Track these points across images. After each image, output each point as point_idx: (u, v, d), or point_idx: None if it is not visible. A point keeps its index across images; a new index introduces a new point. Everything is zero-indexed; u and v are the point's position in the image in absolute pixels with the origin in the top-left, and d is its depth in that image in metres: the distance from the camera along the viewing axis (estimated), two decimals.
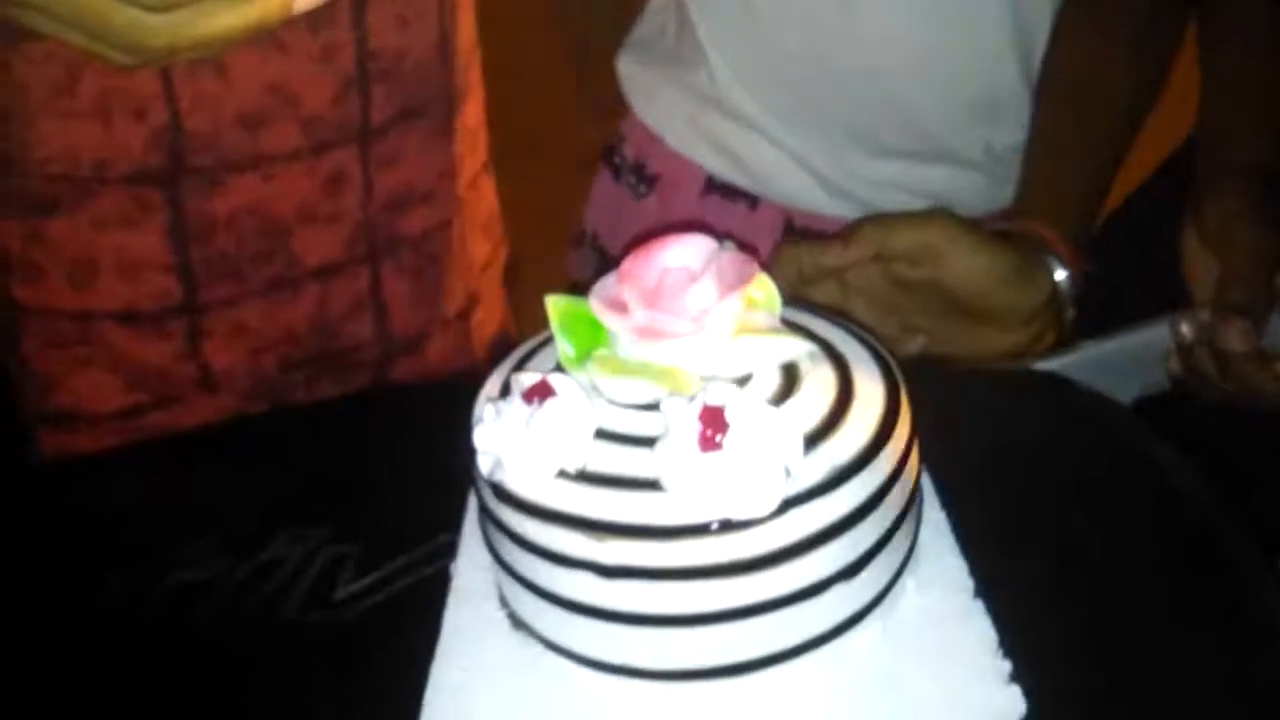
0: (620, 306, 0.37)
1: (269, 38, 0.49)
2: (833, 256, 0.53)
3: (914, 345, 0.55)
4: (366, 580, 0.44)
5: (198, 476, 0.53)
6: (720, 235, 0.41)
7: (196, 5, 0.29)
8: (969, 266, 0.53)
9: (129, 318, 0.53)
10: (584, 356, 0.37)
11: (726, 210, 0.71)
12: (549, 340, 0.40)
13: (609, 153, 0.78)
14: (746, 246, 0.64)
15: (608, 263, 0.77)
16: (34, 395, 0.56)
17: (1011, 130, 0.66)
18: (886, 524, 0.34)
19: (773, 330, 0.37)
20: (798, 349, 0.37)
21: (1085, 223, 0.59)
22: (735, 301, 0.36)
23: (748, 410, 0.31)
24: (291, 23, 0.35)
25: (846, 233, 0.54)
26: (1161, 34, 0.64)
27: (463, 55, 0.60)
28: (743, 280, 0.37)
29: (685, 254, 0.38)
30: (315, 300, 0.56)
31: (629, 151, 0.76)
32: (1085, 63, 0.62)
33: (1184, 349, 0.52)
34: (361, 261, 0.57)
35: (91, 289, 0.52)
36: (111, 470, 0.54)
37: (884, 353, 0.38)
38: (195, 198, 0.51)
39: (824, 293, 0.53)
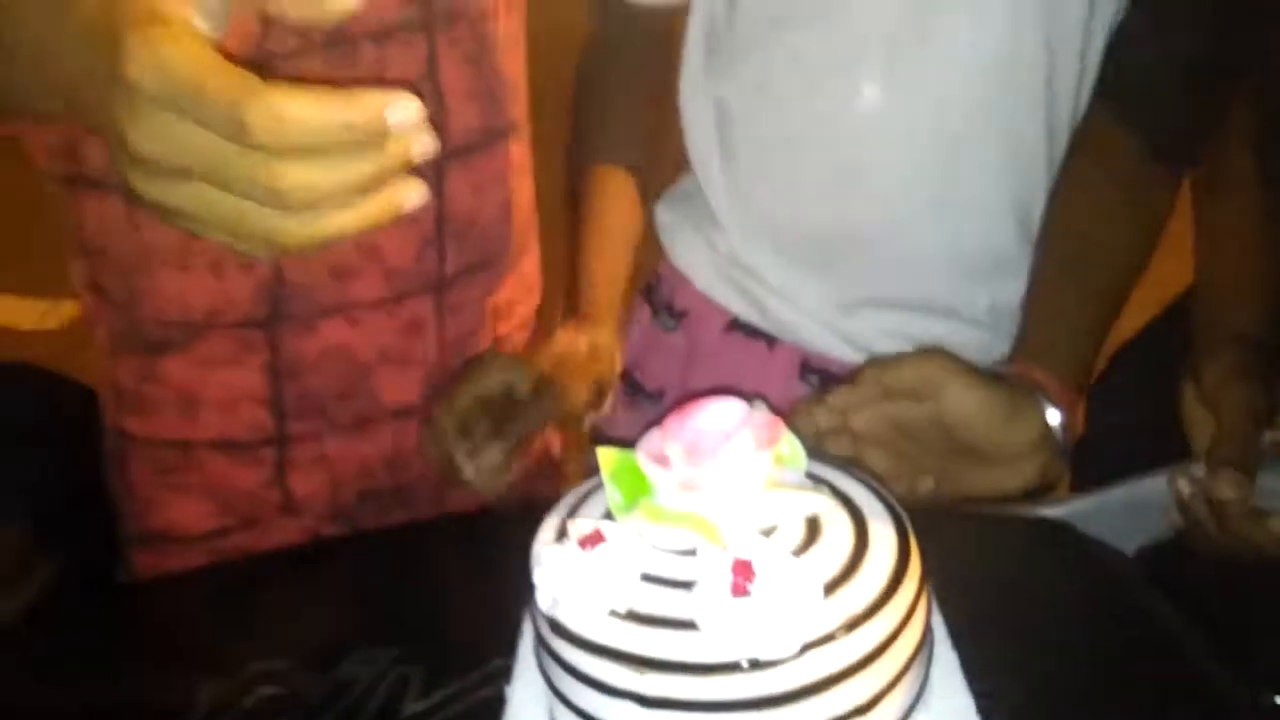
0: (663, 460, 0.42)
1: None
2: (841, 397, 0.58)
3: (925, 486, 0.59)
4: (431, 700, 0.48)
5: (277, 596, 0.59)
6: (749, 392, 0.46)
7: (325, 208, 0.34)
8: (965, 401, 0.58)
9: (225, 446, 0.59)
10: (631, 503, 0.42)
11: (746, 348, 0.77)
12: (599, 486, 0.45)
13: (648, 290, 0.85)
14: (768, 385, 0.70)
15: (637, 392, 0.83)
16: (132, 517, 0.62)
17: (1012, 287, 0.71)
18: (899, 664, 0.38)
19: (798, 485, 0.42)
20: (819, 504, 0.41)
21: (1082, 369, 0.64)
22: (765, 459, 0.41)
23: (774, 562, 0.36)
24: None
25: (851, 376, 0.59)
26: (1157, 192, 0.70)
27: (522, 215, 0.67)
28: (772, 439, 0.42)
29: (721, 414, 0.43)
30: (391, 437, 0.62)
31: (664, 289, 0.82)
32: (1084, 219, 0.67)
33: (1183, 502, 0.56)
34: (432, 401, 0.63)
35: (194, 420, 0.58)
36: (198, 588, 0.59)
37: (895, 505, 0.43)
38: (291, 339, 0.58)
39: (840, 444, 0.58)
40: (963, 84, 0.66)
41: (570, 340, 0.63)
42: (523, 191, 0.66)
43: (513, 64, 0.64)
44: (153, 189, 0.32)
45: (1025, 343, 0.65)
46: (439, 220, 0.60)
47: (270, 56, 0.51)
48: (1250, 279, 0.63)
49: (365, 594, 0.56)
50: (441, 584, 0.56)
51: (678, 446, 0.42)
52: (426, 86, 0.57)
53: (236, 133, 0.29)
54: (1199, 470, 0.55)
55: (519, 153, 0.64)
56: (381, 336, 0.60)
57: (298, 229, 0.33)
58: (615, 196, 0.75)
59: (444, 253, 0.61)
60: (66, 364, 0.70)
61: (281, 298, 0.57)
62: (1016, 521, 0.56)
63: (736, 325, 0.77)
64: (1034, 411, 0.60)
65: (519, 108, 0.65)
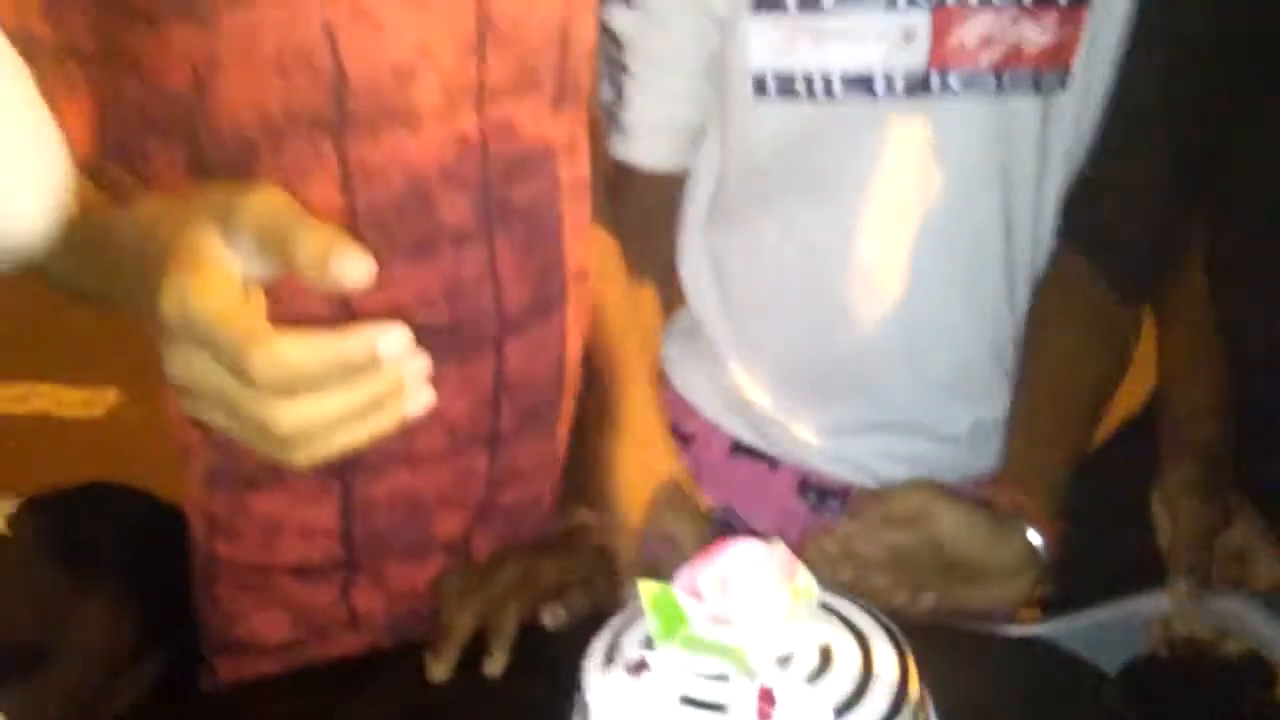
0: (697, 595, 0.50)
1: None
2: (844, 529, 0.66)
3: (925, 602, 0.67)
4: None
5: (342, 699, 0.66)
6: (769, 537, 0.54)
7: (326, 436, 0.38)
8: (954, 525, 0.66)
9: (300, 571, 0.67)
10: (670, 633, 0.50)
11: (750, 469, 0.85)
12: (638, 613, 0.53)
13: None
14: (770, 502, 0.77)
15: None
16: (216, 629, 0.69)
17: (988, 408, 0.80)
18: None
19: (811, 616, 0.50)
20: (830, 633, 0.49)
21: (1059, 488, 0.72)
22: (785, 594, 0.49)
23: (792, 689, 0.44)
24: None
25: (851, 508, 0.68)
26: (1123, 323, 0.79)
27: (573, 365, 0.73)
28: (789, 576, 0.50)
29: (747, 554, 0.51)
30: (441, 563, 0.69)
31: (670, 415, 0.90)
32: (1056, 358, 0.76)
33: (1164, 620, 0.64)
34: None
35: (275, 548, 0.66)
36: (275, 694, 0.66)
37: (895, 631, 0.50)
38: (362, 484, 0.66)
39: (846, 569, 0.66)
40: (934, 240, 0.77)
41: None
42: (575, 342, 0.73)
43: (579, 212, 0.71)
44: (185, 402, 0.38)
45: (1008, 469, 0.73)
46: (497, 385, 0.68)
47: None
48: (1206, 392, 0.72)
49: (417, 698, 0.63)
50: (489, 693, 0.63)
51: (709, 583, 0.50)
52: (487, 275, 0.65)
53: (242, 374, 0.35)
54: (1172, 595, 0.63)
55: (575, 308, 0.72)
56: (439, 482, 0.68)
57: (303, 457, 0.38)
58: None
59: (500, 411, 0.69)
60: (109, 451, 0.77)
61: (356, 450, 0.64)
62: (1003, 640, 0.64)
63: (739, 448, 0.86)
64: (1018, 531, 0.68)
65: (581, 259, 0.72)
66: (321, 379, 0.36)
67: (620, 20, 0.77)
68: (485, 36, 0.62)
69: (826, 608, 0.52)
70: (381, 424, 0.38)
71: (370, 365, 0.36)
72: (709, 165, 0.83)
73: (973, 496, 0.70)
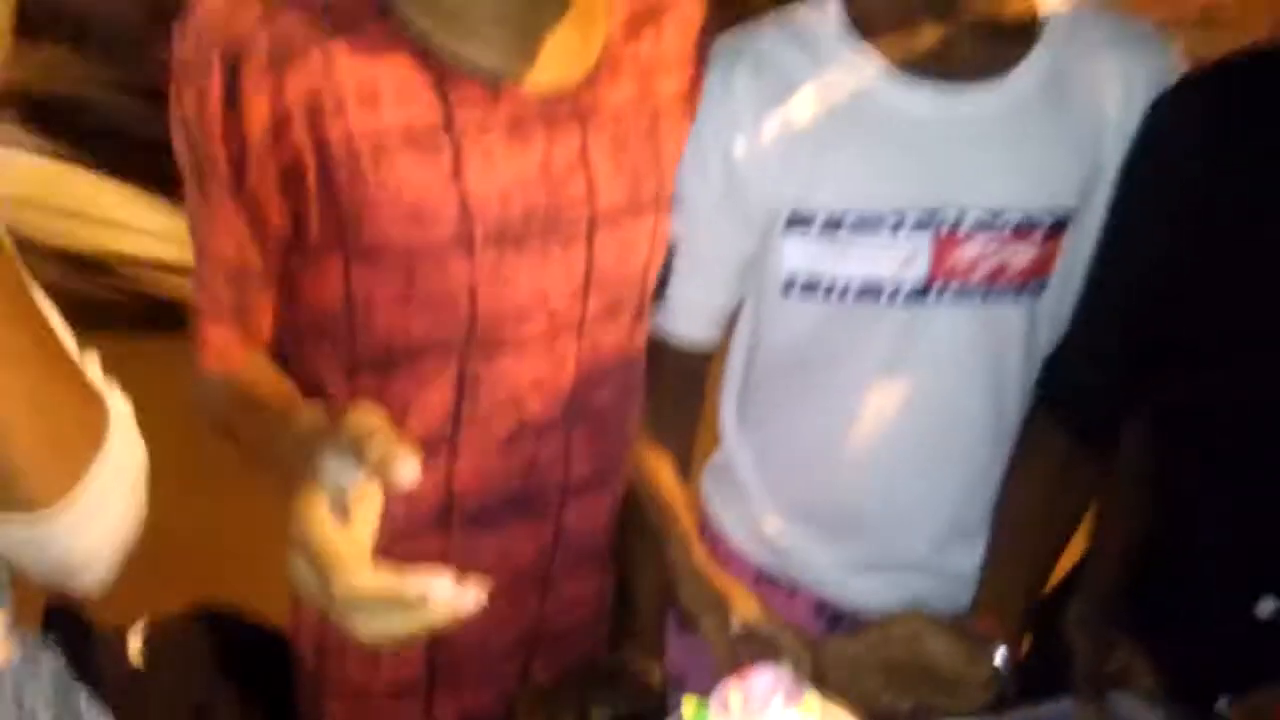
0: (727, 708, 0.63)
1: None
2: (851, 648, 0.80)
3: (906, 704, 0.80)
4: None
5: None
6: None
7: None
8: (938, 647, 0.80)
9: (394, 691, 0.81)
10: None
11: (773, 594, 0.97)
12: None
13: None
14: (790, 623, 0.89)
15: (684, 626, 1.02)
16: None
17: (975, 555, 0.93)
18: None
19: None
20: None
21: (1024, 617, 0.85)
22: (794, 711, 0.62)
23: None
24: None
25: (856, 632, 0.81)
26: (1084, 478, 0.92)
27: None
28: (798, 698, 0.63)
29: (766, 678, 0.65)
30: (504, 684, 0.83)
31: (704, 542, 1.02)
32: (1025, 512, 0.89)
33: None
34: None
35: (375, 670, 0.80)
36: None
37: None
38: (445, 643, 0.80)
39: (848, 676, 0.79)
40: (931, 420, 0.91)
41: None
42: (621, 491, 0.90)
43: (640, 399, 0.88)
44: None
45: (982, 601, 0.87)
46: (556, 538, 0.83)
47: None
48: (1114, 539, 0.86)
49: None
50: None
51: (736, 699, 0.63)
52: (560, 457, 0.82)
53: (328, 590, 0.51)
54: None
55: (625, 469, 0.88)
56: (504, 616, 0.82)
57: (370, 641, 0.54)
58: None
59: (554, 557, 0.83)
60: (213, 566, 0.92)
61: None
62: None
63: (763, 577, 0.99)
64: (990, 652, 0.81)
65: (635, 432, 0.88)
66: (384, 605, 0.51)
67: (673, 222, 0.93)
68: (590, 282, 0.79)
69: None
70: (432, 626, 0.53)
71: (422, 602, 0.51)
72: (742, 341, 0.98)
73: (955, 622, 0.83)
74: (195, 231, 0.75)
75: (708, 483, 1.05)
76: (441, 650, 0.80)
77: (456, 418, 0.77)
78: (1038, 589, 0.87)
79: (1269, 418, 0.77)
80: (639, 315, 0.86)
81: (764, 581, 0.99)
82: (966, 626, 0.82)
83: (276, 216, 0.73)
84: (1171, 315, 0.82)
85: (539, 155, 0.76)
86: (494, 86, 0.75)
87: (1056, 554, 0.90)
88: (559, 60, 0.77)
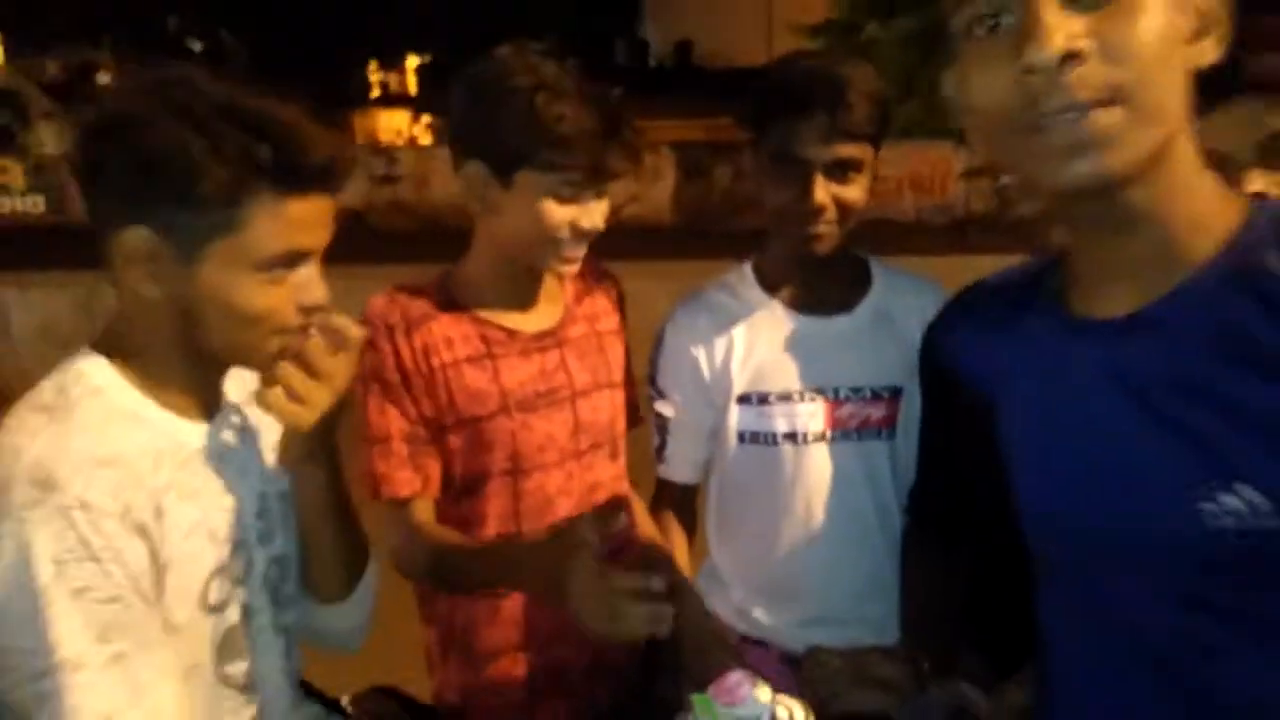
0: (718, 694, 1.11)
1: None
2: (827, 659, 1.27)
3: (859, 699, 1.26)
4: None
5: None
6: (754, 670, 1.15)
7: None
8: (883, 667, 1.26)
9: None
10: (705, 710, 1.10)
11: (750, 651, 1.43)
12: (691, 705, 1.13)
13: None
14: (765, 669, 1.36)
15: None
16: None
17: (887, 605, 1.40)
18: None
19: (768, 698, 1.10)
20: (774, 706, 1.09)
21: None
22: (755, 690, 1.10)
23: None
24: None
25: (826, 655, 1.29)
26: (950, 570, 1.40)
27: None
28: (755, 685, 1.11)
29: (737, 674, 1.12)
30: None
31: None
32: (909, 576, 1.37)
33: None
34: None
35: None
36: None
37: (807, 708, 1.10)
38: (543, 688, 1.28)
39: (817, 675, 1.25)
40: (836, 516, 1.41)
41: None
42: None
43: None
44: None
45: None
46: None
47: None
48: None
49: None
50: None
51: (721, 689, 1.11)
52: None
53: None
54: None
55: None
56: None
57: None
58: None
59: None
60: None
61: None
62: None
63: (744, 638, 1.46)
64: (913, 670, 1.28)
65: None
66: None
67: (663, 407, 1.47)
68: (578, 429, 1.34)
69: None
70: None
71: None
72: (714, 480, 1.50)
73: (895, 652, 1.31)
74: (374, 420, 1.27)
75: (701, 580, 1.53)
76: (539, 678, 1.28)
77: (516, 516, 1.31)
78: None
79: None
80: (614, 452, 1.42)
81: (744, 642, 1.46)
82: (901, 653, 1.30)
83: (425, 409, 1.28)
84: (956, 464, 1.23)
85: (538, 364, 1.34)
86: (510, 333, 1.33)
87: (948, 615, 1.38)
88: (541, 317, 1.36)
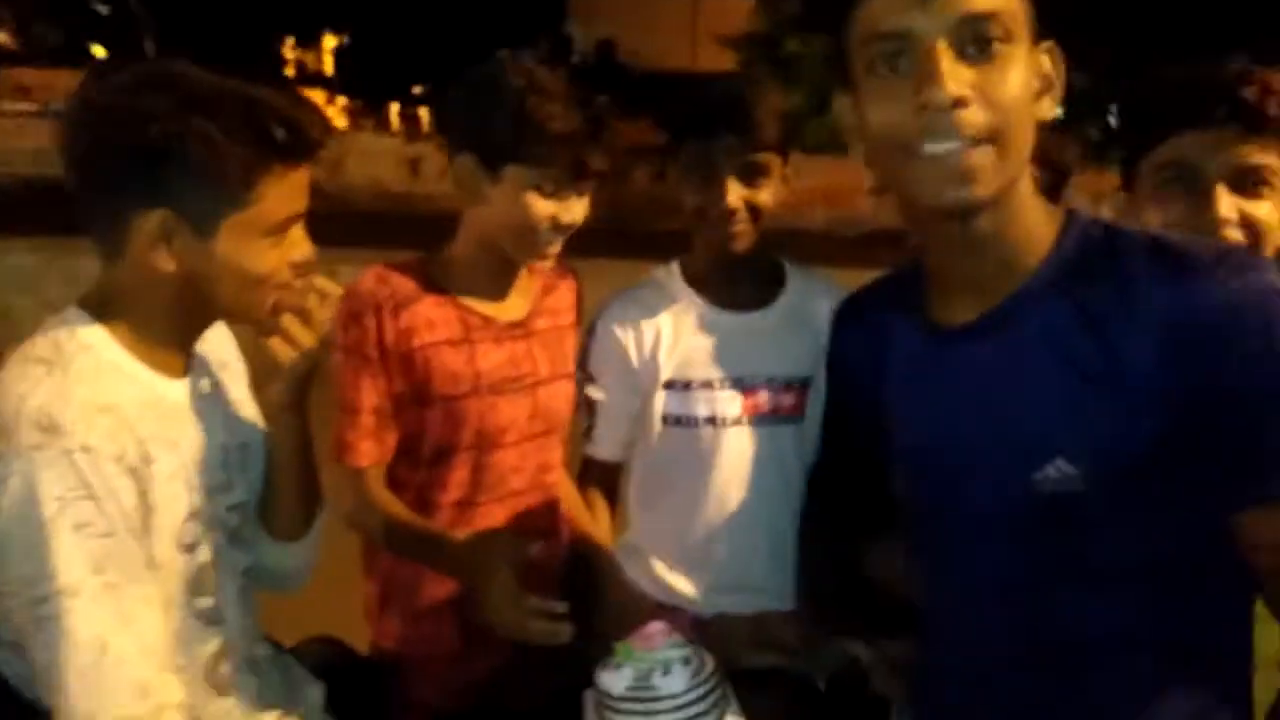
0: (637, 640, 1.26)
1: None
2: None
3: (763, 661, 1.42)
4: None
5: None
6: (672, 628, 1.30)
7: None
8: (782, 627, 1.43)
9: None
10: (626, 654, 1.25)
11: (665, 615, 1.55)
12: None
13: None
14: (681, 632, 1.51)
15: None
16: None
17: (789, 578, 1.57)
18: None
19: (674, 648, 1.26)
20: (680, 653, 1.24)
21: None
22: (670, 638, 1.25)
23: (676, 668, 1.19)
24: None
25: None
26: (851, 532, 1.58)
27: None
28: (669, 635, 1.26)
29: (657, 624, 1.27)
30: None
31: None
32: (818, 549, 1.52)
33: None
34: None
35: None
36: None
37: (706, 657, 1.25)
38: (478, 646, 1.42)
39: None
40: (750, 491, 1.56)
41: None
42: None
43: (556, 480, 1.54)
44: None
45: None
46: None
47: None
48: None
49: None
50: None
51: (639, 638, 1.26)
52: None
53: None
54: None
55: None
56: None
57: None
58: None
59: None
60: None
61: None
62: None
63: (660, 605, 1.61)
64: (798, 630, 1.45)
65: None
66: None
67: (593, 391, 1.60)
68: (536, 413, 1.48)
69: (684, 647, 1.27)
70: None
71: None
72: (637, 459, 1.64)
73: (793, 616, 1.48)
74: (349, 392, 1.38)
75: (621, 552, 1.68)
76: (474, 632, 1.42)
77: (475, 486, 1.44)
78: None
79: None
80: (562, 436, 1.56)
81: (660, 609, 1.61)
82: (798, 617, 1.46)
83: (396, 385, 1.39)
84: (854, 445, 1.43)
85: (509, 352, 1.47)
86: (486, 320, 1.45)
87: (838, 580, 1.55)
88: (514, 307, 1.50)
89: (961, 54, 0.90)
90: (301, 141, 1.05)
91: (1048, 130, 1.00)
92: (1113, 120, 14.74)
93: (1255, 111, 1.19)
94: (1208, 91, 1.21)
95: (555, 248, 1.42)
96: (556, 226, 1.39)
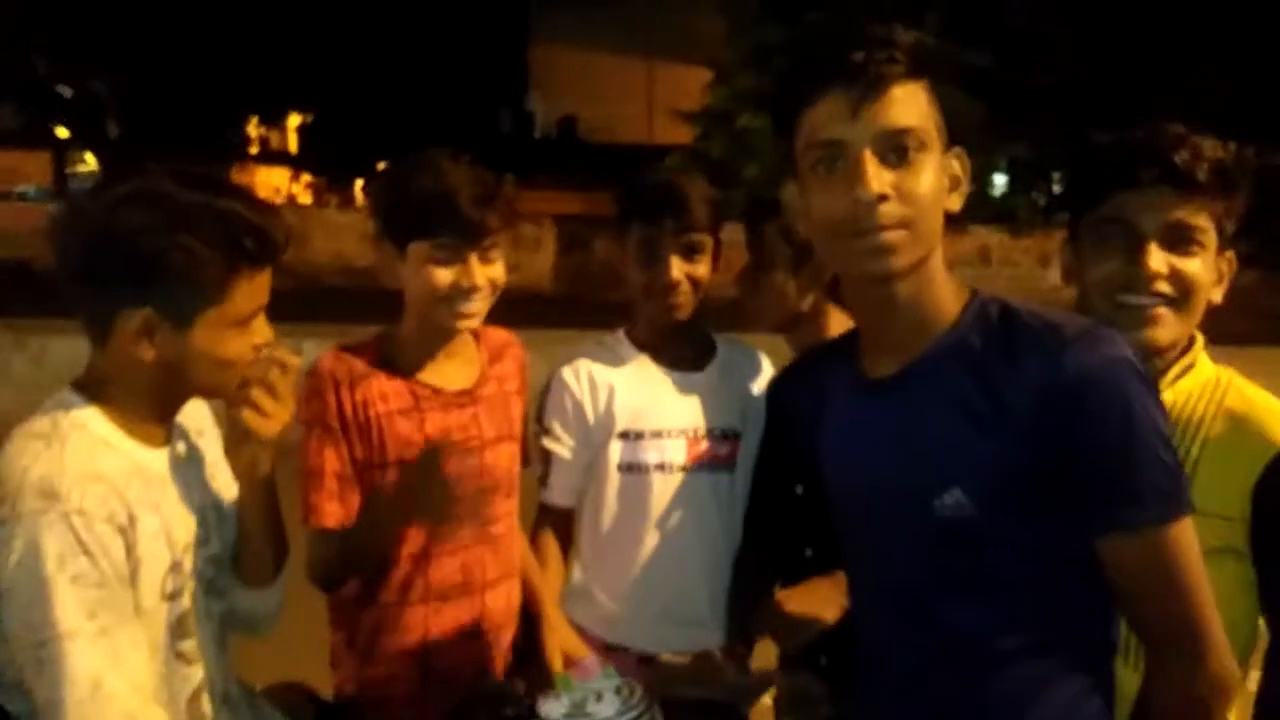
0: (575, 672, 1.40)
1: None
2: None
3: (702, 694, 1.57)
4: None
5: None
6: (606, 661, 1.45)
7: None
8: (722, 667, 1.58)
9: None
10: (565, 685, 1.39)
11: (611, 656, 1.70)
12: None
13: None
14: (625, 670, 1.67)
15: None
16: None
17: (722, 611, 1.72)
18: None
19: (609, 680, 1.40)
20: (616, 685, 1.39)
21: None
22: (602, 671, 1.40)
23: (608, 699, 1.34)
24: None
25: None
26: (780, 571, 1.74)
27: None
28: (602, 668, 1.41)
29: (591, 659, 1.42)
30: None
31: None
32: (749, 585, 1.69)
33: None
34: None
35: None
36: None
37: (636, 688, 1.40)
38: (437, 665, 1.56)
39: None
40: (691, 531, 1.72)
41: None
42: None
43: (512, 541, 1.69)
44: None
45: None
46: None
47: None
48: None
49: None
50: None
51: (579, 670, 1.41)
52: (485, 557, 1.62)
53: None
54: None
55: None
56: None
57: None
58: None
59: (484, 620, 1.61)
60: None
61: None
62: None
63: (607, 646, 1.76)
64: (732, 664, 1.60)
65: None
66: None
67: (549, 443, 1.76)
68: (482, 471, 1.64)
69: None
70: None
71: None
72: (589, 505, 1.79)
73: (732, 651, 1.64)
74: (313, 459, 1.53)
75: (570, 595, 1.83)
76: (429, 677, 1.55)
77: (430, 539, 1.59)
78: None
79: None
80: (509, 491, 1.71)
81: (607, 649, 1.76)
82: (739, 654, 1.62)
83: (356, 451, 1.54)
84: (787, 488, 1.64)
85: (456, 418, 1.62)
86: (435, 390, 1.61)
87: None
88: (461, 377, 1.66)
89: (884, 160, 1.10)
90: (267, 247, 1.23)
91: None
92: (1057, 188, 15.39)
93: (1185, 175, 1.29)
94: (1142, 155, 1.31)
95: (473, 307, 1.56)
96: (462, 290, 1.53)
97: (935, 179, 1.13)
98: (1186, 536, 1.09)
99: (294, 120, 27.45)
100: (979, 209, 14.73)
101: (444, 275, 1.53)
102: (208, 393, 1.30)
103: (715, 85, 15.47)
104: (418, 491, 1.50)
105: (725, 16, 15.32)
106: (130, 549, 1.18)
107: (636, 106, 24.00)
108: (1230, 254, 1.39)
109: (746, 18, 14.35)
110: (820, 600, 1.55)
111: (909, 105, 1.11)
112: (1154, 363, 1.34)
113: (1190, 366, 1.38)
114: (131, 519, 1.19)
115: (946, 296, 1.19)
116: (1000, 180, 15.44)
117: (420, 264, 1.53)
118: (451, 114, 21.73)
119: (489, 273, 1.56)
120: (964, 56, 13.44)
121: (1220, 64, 13.26)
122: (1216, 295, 1.38)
